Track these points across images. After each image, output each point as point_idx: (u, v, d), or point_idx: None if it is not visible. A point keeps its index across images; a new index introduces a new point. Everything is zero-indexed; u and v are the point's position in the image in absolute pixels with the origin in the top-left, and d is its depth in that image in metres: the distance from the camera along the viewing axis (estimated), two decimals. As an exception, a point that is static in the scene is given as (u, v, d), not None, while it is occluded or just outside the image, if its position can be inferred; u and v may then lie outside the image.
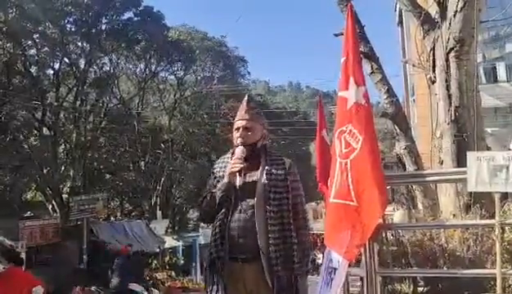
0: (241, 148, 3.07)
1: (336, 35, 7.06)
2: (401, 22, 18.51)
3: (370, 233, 3.41)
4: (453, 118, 4.38)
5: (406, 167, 6.92)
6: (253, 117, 3.20)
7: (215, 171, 3.21)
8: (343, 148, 3.59)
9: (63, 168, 25.72)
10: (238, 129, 3.15)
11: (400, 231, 4.46)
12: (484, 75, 16.01)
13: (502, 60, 16.22)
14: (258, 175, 3.01)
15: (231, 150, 3.25)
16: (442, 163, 4.67)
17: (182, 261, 27.60)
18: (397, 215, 7.24)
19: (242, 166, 2.99)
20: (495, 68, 16.46)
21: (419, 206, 6.59)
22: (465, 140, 4.27)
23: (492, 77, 16.79)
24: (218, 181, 3.10)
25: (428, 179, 3.79)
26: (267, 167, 3.03)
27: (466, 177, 3.23)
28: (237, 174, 3.00)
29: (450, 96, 4.46)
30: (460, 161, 4.15)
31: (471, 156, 3.20)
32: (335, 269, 4.34)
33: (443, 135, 4.50)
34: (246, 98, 3.33)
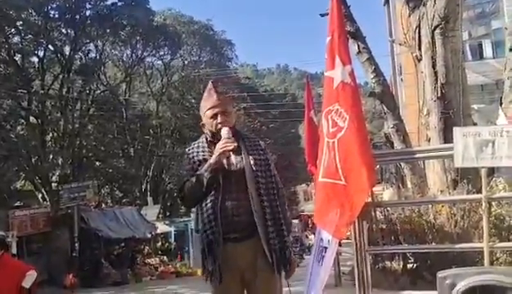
0: (226, 128, 3.06)
1: (322, 15, 7.03)
2: (387, 1, 18.46)
3: (359, 211, 3.44)
4: (439, 94, 4.41)
5: (395, 145, 6.97)
6: (226, 100, 3.23)
7: (190, 155, 3.17)
8: (331, 127, 3.60)
9: (51, 156, 25.52)
10: (215, 115, 3.12)
11: (389, 209, 4.51)
12: (470, 52, 16.05)
13: (488, 37, 16.26)
14: (244, 157, 3.02)
15: (203, 136, 3.25)
16: (429, 141, 4.71)
17: (174, 246, 27.68)
18: (386, 193, 7.31)
19: (235, 144, 2.99)
20: (481, 45, 16.50)
21: (409, 184, 6.65)
22: (452, 117, 4.31)
23: (478, 54, 16.83)
24: (199, 165, 3.08)
25: (415, 156, 3.81)
26: (249, 147, 3.08)
27: (453, 153, 3.25)
28: (230, 153, 3.01)
29: (436, 73, 4.48)
30: (447, 137, 4.19)
31: (457, 132, 3.23)
32: (326, 247, 4.38)
33: (430, 112, 4.54)
34: (212, 84, 3.30)
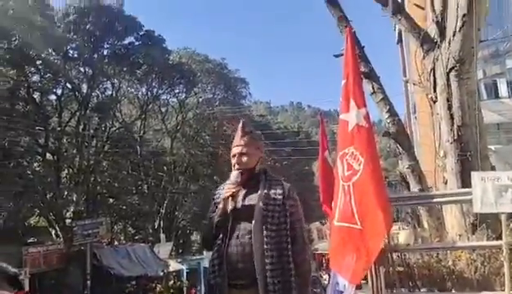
0: (235, 173, 3.06)
1: (336, 56, 7.07)
2: (400, 40, 18.60)
3: (375, 256, 3.36)
4: (456, 137, 4.35)
5: (410, 186, 6.87)
6: (248, 141, 3.16)
7: (215, 197, 3.19)
8: (346, 170, 3.57)
9: (66, 193, 25.69)
10: (234, 155, 3.13)
11: (406, 253, 4.40)
12: (485, 91, 16.01)
13: (503, 76, 16.23)
14: (256, 200, 2.98)
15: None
16: (446, 183, 4.63)
17: (186, 285, 27.33)
18: (402, 235, 7.15)
19: (234, 191, 2.99)
20: (496, 84, 16.46)
21: (425, 224, 6.52)
22: (469, 159, 4.24)
23: (494, 93, 16.78)
24: (217, 207, 3.09)
25: (433, 200, 3.75)
26: (265, 192, 2.99)
27: (471, 198, 3.19)
28: (230, 199, 2.99)
29: (452, 115, 4.43)
30: (465, 180, 4.11)
31: (476, 176, 3.17)
32: (342, 292, 4.28)
33: (446, 154, 4.47)
34: (241, 124, 3.30)
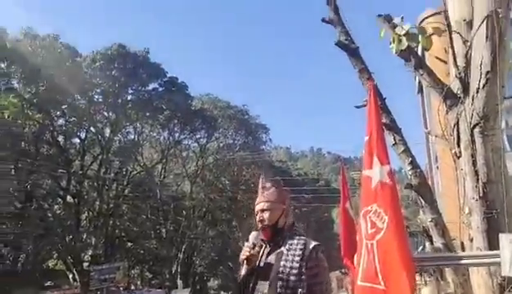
0: (254, 233, 3.02)
1: (358, 107, 7.09)
2: (421, 90, 18.61)
3: (400, 318, 3.25)
4: (481, 194, 4.25)
5: (433, 239, 6.72)
6: (268, 196, 3.09)
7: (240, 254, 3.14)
8: (369, 228, 3.51)
9: (85, 236, 25.77)
10: (257, 213, 3.09)
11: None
12: (508, 142, 15.81)
13: (526, 127, 16.04)
14: (274, 260, 2.91)
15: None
16: (472, 240, 4.50)
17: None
18: (425, 291, 6.95)
19: (248, 254, 2.93)
20: (519, 135, 16.26)
21: (449, 279, 6.32)
22: (495, 217, 4.13)
23: (517, 144, 16.56)
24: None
25: (459, 261, 3.64)
26: (284, 251, 2.91)
27: (499, 260, 3.09)
28: (245, 262, 2.94)
29: (477, 172, 4.35)
30: (492, 239, 3.99)
31: (504, 238, 3.09)
32: None
33: (472, 211, 4.37)
34: (260, 179, 3.26)
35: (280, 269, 2.83)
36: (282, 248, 2.92)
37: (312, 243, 2.92)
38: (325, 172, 67.63)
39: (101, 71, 26.46)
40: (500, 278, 4.09)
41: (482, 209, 4.31)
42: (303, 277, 2.78)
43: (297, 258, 2.83)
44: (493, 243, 4.13)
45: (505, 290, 3.89)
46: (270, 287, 2.82)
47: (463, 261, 3.53)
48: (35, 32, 24.49)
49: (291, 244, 2.91)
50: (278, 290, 2.78)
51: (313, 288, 2.81)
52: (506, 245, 2.99)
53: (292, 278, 2.80)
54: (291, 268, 2.81)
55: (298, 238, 2.97)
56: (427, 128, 15.50)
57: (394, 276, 3.31)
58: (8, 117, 20.84)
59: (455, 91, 4.90)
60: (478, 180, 4.38)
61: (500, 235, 3.06)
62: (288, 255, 2.86)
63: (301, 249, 2.87)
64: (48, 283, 22.81)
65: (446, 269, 6.61)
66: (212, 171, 35.02)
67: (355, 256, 4.07)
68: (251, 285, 2.93)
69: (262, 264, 2.93)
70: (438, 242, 6.55)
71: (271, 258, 2.92)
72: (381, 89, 6.94)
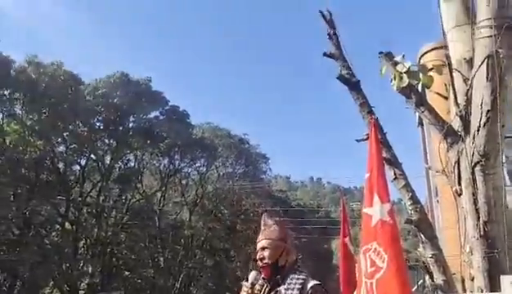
0: (253, 273, 2.99)
1: (358, 141, 7.11)
2: (421, 124, 18.70)
3: None
4: (482, 233, 4.24)
5: (434, 276, 6.65)
6: (269, 234, 3.07)
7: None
8: (369, 267, 3.48)
9: (82, 264, 25.50)
10: (257, 251, 3.07)
11: None
12: (508, 177, 15.80)
13: (527, 162, 16.06)
14: None
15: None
16: (472, 280, 4.47)
17: None
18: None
19: (249, 293, 2.90)
20: (519, 169, 16.26)
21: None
22: (497, 257, 4.10)
23: (518, 178, 16.53)
24: None
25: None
26: (282, 291, 2.87)
27: (501, 303, 3.06)
28: None
29: (477, 211, 4.34)
30: (493, 279, 3.96)
31: (505, 280, 3.06)
32: None
33: (473, 250, 4.34)
34: (263, 216, 3.25)
35: None
36: (281, 287, 2.89)
37: (311, 282, 2.89)
38: (325, 203, 67.36)
39: (102, 98, 26.64)
40: (502, 320, 4.04)
41: (483, 248, 4.29)
42: None
43: None
44: (494, 283, 4.09)
45: (507, 332, 3.83)
46: None
47: (465, 304, 3.50)
48: (39, 59, 24.76)
49: (290, 283, 2.88)
50: None
51: None
52: (507, 287, 2.96)
53: None
54: None
55: (297, 276, 2.93)
56: (427, 162, 15.54)
57: (394, 316, 3.27)
58: (10, 143, 20.90)
59: (455, 129, 4.94)
60: (478, 218, 4.37)
61: (502, 277, 3.03)
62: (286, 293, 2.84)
63: (299, 289, 2.83)
64: (43, 313, 22.48)
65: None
66: (211, 199, 34.89)
67: (354, 293, 4.02)
68: None
69: None
70: (439, 278, 6.48)
71: None
72: (381, 122, 6.97)
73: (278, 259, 2.99)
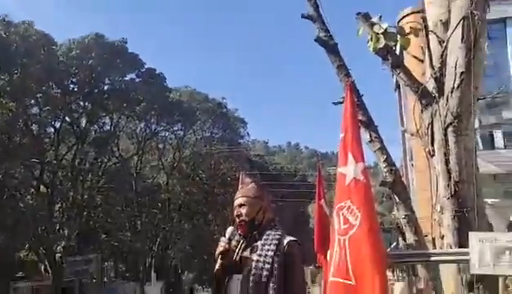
0: (230, 228, 3.02)
1: (335, 104, 7.13)
2: (398, 87, 18.83)
3: (369, 314, 3.28)
4: (453, 192, 4.33)
5: (406, 236, 6.81)
6: (247, 192, 3.08)
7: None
8: (342, 224, 3.52)
9: (58, 227, 25.40)
10: (235, 208, 3.10)
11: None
12: (481, 141, 16.09)
13: (499, 128, 16.33)
14: (249, 254, 2.92)
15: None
16: (442, 238, 4.58)
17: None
18: (397, 288, 7.05)
19: (223, 248, 2.94)
20: (492, 135, 16.55)
21: (420, 273, 6.42)
22: (466, 216, 4.20)
23: (490, 143, 16.84)
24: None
25: (430, 258, 3.71)
26: (259, 246, 2.91)
27: (469, 258, 3.15)
28: (219, 257, 2.95)
29: (449, 171, 4.42)
30: (462, 236, 4.07)
31: (473, 237, 3.15)
32: None
33: (443, 209, 4.44)
34: (241, 174, 3.27)
35: (254, 263, 2.83)
36: (258, 242, 2.92)
37: (287, 238, 2.91)
38: (303, 167, 67.94)
39: (77, 60, 26.03)
40: (469, 275, 4.18)
41: (454, 207, 4.39)
42: (275, 271, 2.78)
43: (270, 253, 2.83)
44: (463, 241, 4.20)
45: (474, 286, 3.97)
46: (243, 280, 2.83)
47: (433, 258, 3.59)
48: (10, 18, 23.94)
49: (266, 239, 2.91)
50: (251, 284, 2.78)
51: (286, 283, 2.81)
52: (475, 243, 3.05)
53: (265, 272, 2.79)
54: (264, 262, 2.81)
55: (274, 232, 2.94)
56: (403, 126, 15.73)
57: (365, 273, 3.33)
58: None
59: (430, 91, 4.97)
60: (450, 178, 4.46)
61: (470, 234, 3.11)
62: (262, 249, 2.86)
63: (275, 244, 2.86)
64: (20, 274, 22.43)
65: (419, 265, 6.73)
66: (189, 163, 34.89)
67: (328, 252, 4.09)
68: (226, 279, 2.93)
69: (237, 258, 2.94)
70: (411, 238, 6.65)
71: (247, 252, 2.93)
72: (359, 86, 6.98)
73: (255, 216, 3.02)
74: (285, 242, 2.88)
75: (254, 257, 2.84)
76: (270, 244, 2.87)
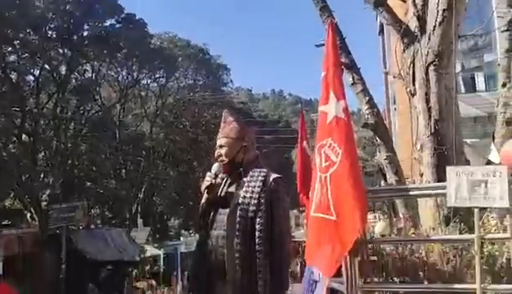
0: (216, 164, 3.06)
1: (317, 46, 7.10)
2: (382, 31, 18.69)
3: (349, 248, 3.39)
4: (433, 130, 4.42)
5: (387, 177, 6.96)
6: (227, 132, 3.12)
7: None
8: (323, 162, 3.58)
9: (42, 176, 25.34)
10: (216, 148, 3.13)
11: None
12: (463, 85, 16.21)
13: (481, 70, 16.42)
14: (235, 189, 2.96)
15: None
16: (422, 175, 4.71)
17: (163, 270, 27.40)
18: (378, 226, 7.25)
19: (209, 183, 2.99)
20: (473, 78, 16.66)
21: (400, 214, 6.62)
22: (445, 153, 4.31)
23: (471, 86, 16.97)
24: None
25: (408, 193, 3.80)
26: (245, 182, 2.95)
27: (446, 192, 3.24)
28: (205, 191, 3.00)
29: (430, 109, 4.50)
30: (440, 173, 4.19)
31: (450, 171, 3.22)
32: (316, 281, 4.32)
33: (423, 147, 4.54)
34: (223, 114, 3.27)
35: (240, 199, 2.89)
36: (244, 179, 2.97)
37: (273, 175, 2.99)
38: (286, 114, 68.00)
39: (54, 5, 25.16)
40: (447, 211, 4.32)
41: (433, 145, 4.49)
42: (262, 207, 2.83)
43: (257, 189, 2.88)
44: (441, 178, 4.32)
45: (451, 221, 4.11)
46: (230, 215, 2.89)
47: (412, 193, 3.69)
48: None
49: (252, 176, 2.96)
50: (237, 219, 2.85)
51: (272, 217, 2.86)
52: (453, 177, 3.13)
53: (252, 207, 2.85)
54: (251, 198, 2.87)
55: (259, 170, 3.01)
56: (386, 68, 15.72)
57: (346, 208, 3.42)
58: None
59: (412, 30, 4.97)
60: (430, 117, 4.53)
61: (448, 168, 3.19)
62: (249, 185, 2.91)
63: (261, 181, 2.92)
64: (5, 222, 22.51)
65: (398, 204, 6.91)
66: (172, 111, 34.68)
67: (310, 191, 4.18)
68: (212, 214, 2.99)
69: (223, 194, 3.00)
70: (392, 178, 6.81)
71: (233, 188, 2.98)
72: (343, 30, 6.91)
73: (235, 156, 3.05)
74: (271, 178, 2.94)
75: (241, 193, 2.90)
76: (256, 181, 2.92)
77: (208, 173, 3.05)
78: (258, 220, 2.83)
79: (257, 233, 2.79)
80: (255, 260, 2.76)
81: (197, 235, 3.16)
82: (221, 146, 3.09)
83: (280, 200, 2.94)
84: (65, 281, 19.36)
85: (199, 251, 3.00)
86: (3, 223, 22.09)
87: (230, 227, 2.84)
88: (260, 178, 2.94)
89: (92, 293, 20.05)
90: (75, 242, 20.54)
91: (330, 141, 3.55)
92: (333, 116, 3.56)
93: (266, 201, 2.86)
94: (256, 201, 2.86)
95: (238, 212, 2.85)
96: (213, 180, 3.01)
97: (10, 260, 18.16)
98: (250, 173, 2.97)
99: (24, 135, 24.88)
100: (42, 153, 26.70)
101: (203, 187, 3.01)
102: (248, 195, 2.88)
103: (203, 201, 3.03)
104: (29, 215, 23.75)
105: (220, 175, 3.04)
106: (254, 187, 2.89)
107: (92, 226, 27.21)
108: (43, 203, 24.42)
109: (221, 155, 3.06)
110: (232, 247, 2.80)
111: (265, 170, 3.03)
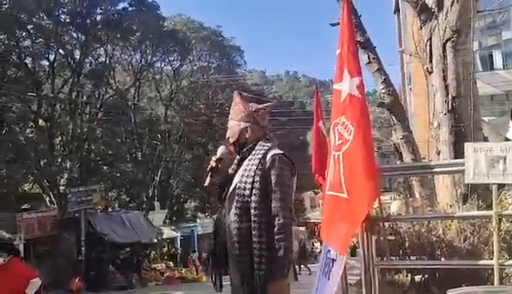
0: (222, 147, 3.08)
1: (333, 25, 7.00)
2: (397, 10, 18.39)
3: (359, 225, 3.38)
4: (450, 108, 4.36)
5: (403, 156, 6.90)
6: (233, 114, 3.09)
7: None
8: (337, 140, 3.56)
9: (60, 160, 25.67)
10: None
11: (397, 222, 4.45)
12: (480, 63, 15.94)
13: (498, 48, 16.13)
14: (237, 174, 2.97)
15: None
16: (439, 153, 4.65)
17: (180, 252, 27.74)
18: (394, 205, 7.22)
19: (213, 165, 3.02)
20: (491, 55, 16.37)
21: (417, 194, 6.58)
22: (462, 131, 4.25)
23: (489, 64, 16.69)
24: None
25: (425, 171, 3.76)
26: (246, 161, 2.93)
27: (464, 169, 3.20)
28: (209, 173, 3.04)
29: (447, 87, 4.42)
30: (458, 151, 4.13)
31: (469, 147, 3.17)
32: (334, 260, 4.32)
33: (440, 125, 4.48)
34: (234, 93, 3.23)
35: (238, 177, 2.88)
36: (246, 164, 2.93)
37: (272, 151, 2.87)
38: (301, 96, 67.57)
39: (67, -11, 25.22)
40: (464, 188, 4.27)
41: (451, 122, 4.43)
42: (256, 184, 2.78)
43: (253, 167, 2.83)
44: (459, 155, 4.26)
45: (467, 198, 4.07)
46: (230, 195, 2.89)
47: (429, 170, 3.64)
48: None
49: (254, 154, 2.90)
50: (235, 198, 2.84)
51: (267, 194, 2.78)
52: (471, 153, 3.08)
53: (248, 185, 2.80)
54: (248, 176, 2.82)
55: (261, 148, 2.91)
56: (401, 47, 15.49)
57: (358, 186, 3.38)
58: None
59: (429, 6, 4.87)
60: (447, 94, 4.46)
61: (466, 144, 3.14)
62: (248, 166, 2.88)
63: (259, 158, 2.84)
64: (25, 206, 22.90)
65: (415, 185, 6.86)
66: (186, 94, 34.66)
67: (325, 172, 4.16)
68: (223, 194, 3.01)
69: (232, 172, 3.03)
70: (408, 158, 6.74)
71: (239, 169, 2.99)
72: (358, 8, 6.80)
73: (238, 137, 3.02)
74: (269, 155, 2.84)
75: (240, 172, 2.89)
76: (255, 159, 2.87)
77: (213, 157, 3.09)
78: (252, 197, 2.80)
79: (251, 211, 2.75)
80: (250, 241, 2.73)
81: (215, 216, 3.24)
82: (228, 128, 3.12)
83: (278, 176, 2.80)
84: (84, 263, 19.71)
85: (213, 230, 3.09)
86: (23, 207, 22.47)
87: (229, 207, 2.86)
88: (258, 156, 2.86)
89: (112, 274, 20.39)
90: (94, 225, 20.85)
91: (344, 119, 3.52)
92: (347, 93, 3.52)
93: (260, 178, 2.79)
94: (251, 179, 2.81)
95: (236, 191, 2.85)
96: (215, 163, 3.04)
97: (30, 242, 18.53)
98: (253, 151, 2.94)
99: (40, 120, 25.17)
100: (59, 138, 27.00)
101: (208, 169, 3.07)
102: (246, 173, 2.85)
103: (206, 183, 3.09)
104: (47, 199, 24.13)
105: (227, 157, 3.07)
106: (252, 165, 2.85)
107: (110, 209, 27.55)
108: (61, 187, 24.78)
109: (228, 137, 3.09)
110: (230, 226, 2.81)
111: (267, 146, 2.91)
